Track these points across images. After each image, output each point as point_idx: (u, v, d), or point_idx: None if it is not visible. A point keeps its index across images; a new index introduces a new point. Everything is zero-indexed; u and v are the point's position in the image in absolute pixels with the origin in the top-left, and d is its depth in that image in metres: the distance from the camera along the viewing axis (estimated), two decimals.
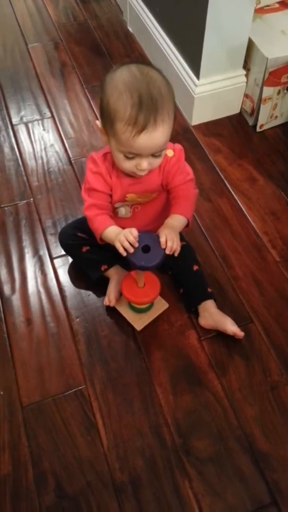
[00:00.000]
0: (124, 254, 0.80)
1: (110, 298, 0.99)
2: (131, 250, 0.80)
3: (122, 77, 0.74)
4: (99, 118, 0.82)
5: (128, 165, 0.79)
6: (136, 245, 0.80)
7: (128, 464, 0.82)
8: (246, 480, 0.80)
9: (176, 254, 0.83)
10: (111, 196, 0.90)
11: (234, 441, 0.84)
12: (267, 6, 1.42)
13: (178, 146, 0.90)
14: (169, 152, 0.87)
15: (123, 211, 0.95)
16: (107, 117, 0.76)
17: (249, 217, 1.19)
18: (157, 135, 0.74)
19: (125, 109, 0.72)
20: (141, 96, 0.72)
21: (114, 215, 0.96)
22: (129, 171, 0.81)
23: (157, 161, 0.80)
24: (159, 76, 0.75)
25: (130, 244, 0.80)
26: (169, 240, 0.81)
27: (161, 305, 1.01)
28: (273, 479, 0.81)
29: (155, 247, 0.81)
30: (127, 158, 0.78)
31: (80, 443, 0.84)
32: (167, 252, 0.81)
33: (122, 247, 0.80)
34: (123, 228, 0.97)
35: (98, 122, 0.81)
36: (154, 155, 0.78)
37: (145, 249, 0.81)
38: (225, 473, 0.81)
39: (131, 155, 0.77)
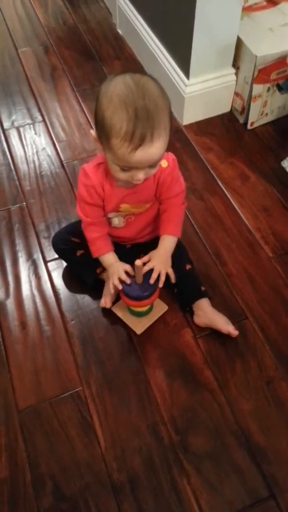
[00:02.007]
0: (120, 287, 0.91)
1: (106, 300, 0.99)
2: (120, 287, 0.90)
3: (116, 90, 0.71)
4: (93, 127, 0.81)
5: (124, 176, 0.79)
6: (128, 281, 0.90)
7: (125, 464, 0.82)
8: (243, 474, 0.81)
9: (172, 280, 0.93)
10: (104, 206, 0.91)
11: (231, 436, 0.85)
12: (255, 4, 1.42)
13: (171, 156, 0.90)
14: (163, 163, 0.87)
15: (116, 221, 0.96)
16: (102, 131, 0.75)
17: (241, 214, 1.20)
18: (153, 150, 0.73)
19: (121, 125, 0.70)
20: (136, 111, 0.69)
21: (109, 224, 0.97)
22: (125, 181, 0.81)
23: (152, 171, 0.80)
24: (155, 87, 0.73)
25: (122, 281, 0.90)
26: (162, 275, 0.90)
27: (160, 308, 1.01)
28: (270, 473, 0.81)
29: (148, 278, 0.90)
30: (123, 170, 0.78)
31: (77, 445, 0.84)
32: (160, 285, 0.91)
33: (114, 286, 0.91)
34: (117, 236, 1.00)
35: (93, 131, 0.80)
36: (150, 166, 0.78)
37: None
38: (222, 468, 0.81)
39: (127, 168, 0.77)
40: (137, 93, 0.70)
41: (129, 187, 0.87)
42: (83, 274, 1.03)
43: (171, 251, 0.94)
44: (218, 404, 0.88)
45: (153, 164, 0.78)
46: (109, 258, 0.94)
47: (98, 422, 0.87)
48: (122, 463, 0.82)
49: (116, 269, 0.91)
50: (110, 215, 0.94)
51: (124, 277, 0.90)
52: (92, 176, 0.87)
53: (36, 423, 0.86)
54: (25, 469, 0.82)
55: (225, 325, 0.95)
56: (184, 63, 1.32)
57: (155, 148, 0.73)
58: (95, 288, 1.03)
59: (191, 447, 0.84)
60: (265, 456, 0.83)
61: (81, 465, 0.82)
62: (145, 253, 1.03)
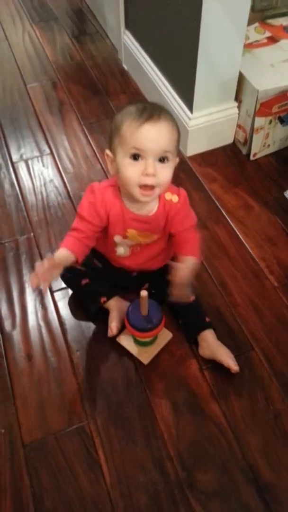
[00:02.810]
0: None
1: (112, 326, 0.99)
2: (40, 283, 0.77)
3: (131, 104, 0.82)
4: (109, 148, 0.85)
5: (134, 172, 0.78)
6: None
7: (131, 501, 0.81)
8: None
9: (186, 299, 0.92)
10: (100, 228, 0.91)
11: (239, 473, 0.83)
12: (256, 41, 1.47)
13: (183, 192, 0.91)
14: (174, 198, 0.89)
15: (122, 250, 0.97)
16: (115, 131, 0.80)
17: (246, 244, 1.21)
18: (161, 127, 0.77)
19: (130, 114, 0.78)
20: (145, 106, 0.79)
21: (113, 252, 0.98)
22: (136, 182, 0.79)
23: (164, 173, 0.80)
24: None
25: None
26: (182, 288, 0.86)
27: (165, 336, 1.01)
28: None
29: (153, 310, 0.92)
30: (133, 160, 0.78)
31: (82, 481, 0.83)
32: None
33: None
34: (122, 264, 1.00)
35: (108, 151, 0.84)
36: (160, 161, 0.79)
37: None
38: (230, 506, 0.79)
39: (137, 155, 0.77)
40: (149, 103, 0.85)
41: (140, 215, 0.88)
42: (87, 303, 1.04)
43: (191, 269, 0.88)
44: (225, 439, 0.87)
45: (161, 154, 0.78)
46: (61, 251, 0.85)
47: (103, 457, 0.85)
48: (128, 501, 0.81)
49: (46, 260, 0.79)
50: (116, 239, 0.94)
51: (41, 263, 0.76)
52: (98, 194, 0.88)
53: (41, 458, 0.85)
54: (29, 505, 0.80)
55: (227, 359, 0.94)
56: (187, 97, 1.36)
57: (163, 126, 0.77)
58: (97, 317, 1.03)
59: (198, 484, 0.82)
60: (274, 493, 0.81)
61: (86, 503, 0.81)
62: (151, 283, 1.04)
